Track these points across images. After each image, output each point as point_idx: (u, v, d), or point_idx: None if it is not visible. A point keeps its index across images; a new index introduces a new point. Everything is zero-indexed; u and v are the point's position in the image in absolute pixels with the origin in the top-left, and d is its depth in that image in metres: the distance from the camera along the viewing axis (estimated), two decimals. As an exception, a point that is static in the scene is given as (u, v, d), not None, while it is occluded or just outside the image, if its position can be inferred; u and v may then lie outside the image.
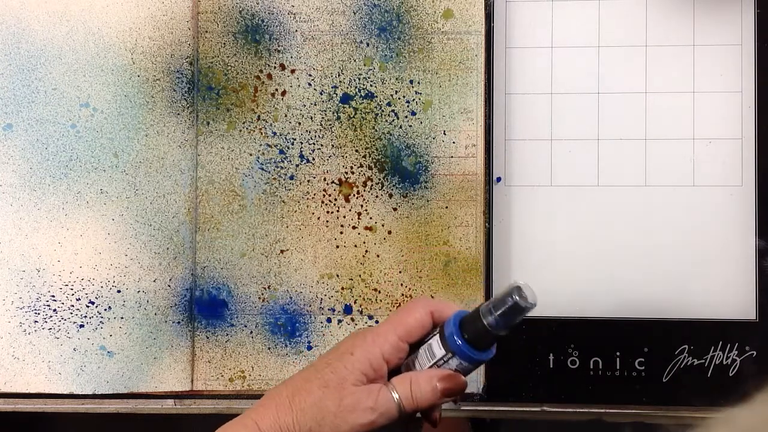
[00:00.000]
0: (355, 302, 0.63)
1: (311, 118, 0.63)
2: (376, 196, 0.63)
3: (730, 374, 0.61)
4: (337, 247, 0.63)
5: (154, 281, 0.63)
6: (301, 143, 0.63)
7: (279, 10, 0.63)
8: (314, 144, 0.63)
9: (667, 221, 0.63)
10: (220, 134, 0.63)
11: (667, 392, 0.61)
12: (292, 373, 0.62)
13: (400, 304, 0.62)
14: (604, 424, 0.63)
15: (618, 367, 0.62)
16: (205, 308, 0.63)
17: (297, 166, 0.63)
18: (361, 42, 0.63)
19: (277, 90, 0.63)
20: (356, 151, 0.63)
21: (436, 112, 0.63)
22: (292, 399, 0.48)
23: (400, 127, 0.63)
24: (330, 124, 0.63)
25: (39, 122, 0.63)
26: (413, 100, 0.63)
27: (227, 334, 0.63)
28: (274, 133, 0.63)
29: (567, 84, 0.63)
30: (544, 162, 0.63)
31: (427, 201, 0.63)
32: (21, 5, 0.63)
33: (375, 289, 0.63)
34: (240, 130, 0.63)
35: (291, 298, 0.63)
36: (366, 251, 0.63)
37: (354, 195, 0.63)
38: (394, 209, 0.63)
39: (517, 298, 0.47)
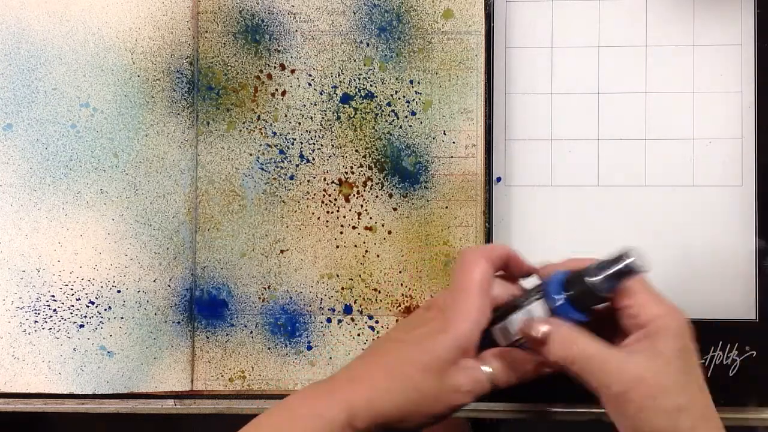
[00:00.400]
0: (355, 302, 0.63)
1: (311, 118, 0.63)
2: (376, 196, 0.63)
3: (730, 374, 0.61)
4: (337, 247, 0.63)
5: (154, 281, 0.63)
6: (301, 143, 0.63)
7: (279, 10, 0.63)
8: (314, 144, 0.63)
9: (667, 221, 0.63)
10: (220, 134, 0.63)
11: (667, 392, 0.61)
12: (292, 373, 0.62)
13: (400, 304, 0.62)
14: (604, 424, 0.63)
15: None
16: (205, 308, 0.63)
17: (297, 166, 0.63)
18: (361, 42, 0.63)
19: (277, 90, 0.63)
20: (356, 151, 0.63)
21: (436, 112, 0.63)
22: (391, 380, 0.47)
23: (400, 127, 0.63)
24: (330, 124, 0.63)
25: (39, 122, 0.63)
26: (413, 100, 0.63)
27: (227, 334, 0.63)
28: (274, 133, 0.63)
29: (567, 84, 0.63)
30: (544, 162, 0.63)
31: (427, 201, 0.63)
32: (21, 5, 0.63)
33: (375, 289, 0.63)
34: (240, 130, 0.63)
35: (291, 298, 0.63)
36: (366, 251, 0.63)
37: (354, 195, 0.63)
38: (394, 209, 0.63)
39: (629, 261, 0.46)
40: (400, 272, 0.63)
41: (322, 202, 0.63)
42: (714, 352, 0.61)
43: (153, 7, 0.63)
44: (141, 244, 0.63)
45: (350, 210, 0.63)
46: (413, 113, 0.63)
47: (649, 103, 0.63)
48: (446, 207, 0.62)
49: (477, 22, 0.62)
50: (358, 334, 0.63)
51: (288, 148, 0.63)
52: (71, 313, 0.63)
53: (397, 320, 0.62)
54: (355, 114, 0.63)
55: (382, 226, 0.63)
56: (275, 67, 0.63)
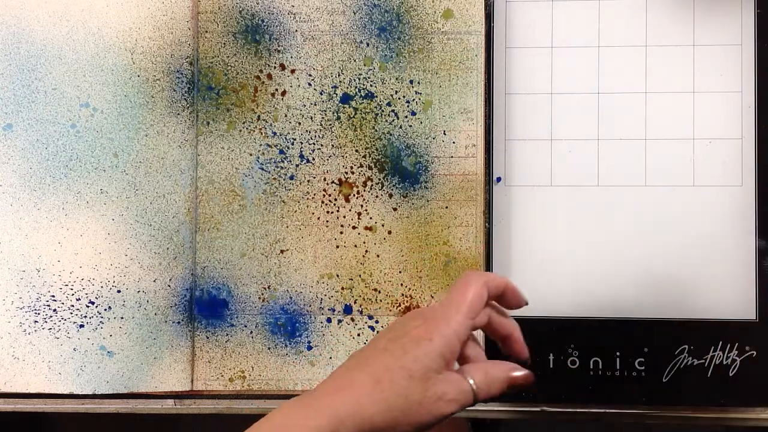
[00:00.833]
0: (355, 302, 0.63)
1: (311, 118, 0.63)
2: (376, 196, 0.63)
3: (730, 374, 0.61)
4: (337, 247, 0.63)
5: (154, 281, 0.63)
6: (301, 143, 0.63)
7: (279, 10, 0.63)
8: (314, 144, 0.63)
9: (667, 221, 0.63)
10: (220, 134, 0.63)
11: (667, 392, 0.61)
12: (292, 373, 0.62)
13: (400, 304, 0.62)
14: (604, 424, 0.63)
15: (618, 367, 0.62)
16: (205, 308, 0.63)
17: (297, 166, 0.63)
18: (361, 42, 0.63)
19: (277, 90, 0.63)
20: (356, 151, 0.63)
21: (436, 112, 0.63)
22: (375, 388, 0.47)
23: (400, 127, 0.63)
24: (330, 124, 0.63)
25: (39, 122, 0.63)
26: (413, 100, 0.63)
27: (227, 334, 0.63)
28: (274, 133, 0.63)
29: (567, 84, 0.63)
30: (544, 162, 0.63)
31: (427, 201, 0.63)
32: (21, 5, 0.63)
33: (375, 289, 0.63)
34: (240, 130, 0.63)
35: (291, 298, 0.63)
36: (366, 251, 0.63)
37: (354, 195, 0.63)
38: (394, 209, 0.63)
39: None
40: (400, 272, 0.63)
41: (322, 202, 0.63)
42: (714, 352, 0.61)
43: (153, 7, 0.63)
44: (141, 244, 0.63)
45: (350, 210, 0.63)
46: (413, 113, 0.63)
47: (649, 103, 0.63)
48: (446, 207, 0.63)
49: (477, 22, 0.62)
50: (358, 334, 0.63)
51: (288, 148, 0.63)
52: (71, 313, 0.63)
53: (397, 320, 0.63)
54: (355, 114, 0.63)
55: (382, 226, 0.63)
56: (275, 67, 0.63)
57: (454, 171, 0.63)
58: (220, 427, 0.64)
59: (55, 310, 0.63)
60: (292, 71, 0.63)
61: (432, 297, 0.62)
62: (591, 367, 0.62)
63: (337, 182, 0.63)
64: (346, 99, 0.63)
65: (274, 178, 0.63)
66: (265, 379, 0.63)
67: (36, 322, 0.63)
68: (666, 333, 0.62)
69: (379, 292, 0.63)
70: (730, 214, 0.62)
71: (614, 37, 0.63)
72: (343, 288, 0.63)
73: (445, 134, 0.63)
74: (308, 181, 0.63)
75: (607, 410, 0.62)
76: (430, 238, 0.62)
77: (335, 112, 0.63)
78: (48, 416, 0.66)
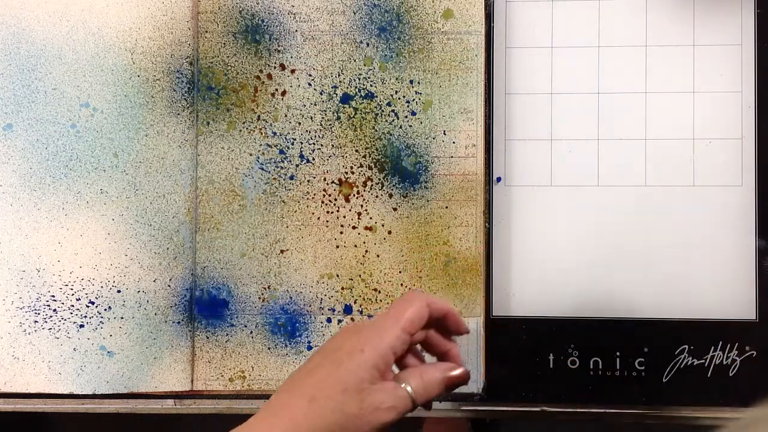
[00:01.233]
0: (355, 302, 0.63)
1: (311, 118, 0.63)
2: (376, 196, 0.63)
3: (730, 374, 0.61)
4: (337, 247, 0.63)
5: (154, 281, 0.63)
6: (301, 143, 0.63)
7: (279, 10, 0.63)
8: (314, 144, 0.63)
9: (667, 221, 0.63)
10: (220, 134, 0.63)
11: (667, 392, 0.61)
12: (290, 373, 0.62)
13: (400, 304, 0.62)
14: (604, 424, 0.63)
15: (618, 367, 0.62)
16: (205, 308, 0.63)
17: (297, 166, 0.63)
18: (361, 42, 0.63)
19: (277, 90, 0.63)
20: (356, 151, 0.63)
21: (436, 112, 0.63)
22: (310, 406, 0.47)
23: (400, 127, 0.63)
24: (330, 124, 0.63)
25: (39, 122, 0.63)
26: (413, 100, 0.63)
27: (227, 334, 0.63)
28: (274, 133, 0.63)
29: (567, 84, 0.63)
30: (544, 162, 0.63)
31: (427, 201, 0.63)
32: (21, 5, 0.63)
33: (375, 289, 0.63)
34: (240, 130, 0.63)
35: (291, 298, 0.63)
36: (366, 251, 0.63)
37: (354, 195, 0.63)
38: (394, 209, 0.63)
39: None
40: (400, 272, 0.63)
41: (322, 202, 0.63)
42: (714, 352, 0.61)
43: (153, 7, 0.63)
44: (141, 244, 0.63)
45: (350, 210, 0.63)
46: (413, 113, 0.63)
47: (649, 103, 0.63)
48: (446, 207, 0.62)
49: (477, 22, 0.62)
50: (358, 334, 0.63)
51: (288, 148, 0.63)
52: (71, 313, 0.63)
53: (397, 320, 0.62)
54: (355, 114, 0.63)
55: (382, 226, 0.63)
56: (275, 67, 0.63)
57: (454, 171, 0.63)
58: (220, 427, 0.64)
59: (55, 310, 0.63)
60: (292, 71, 0.63)
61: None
62: (591, 367, 0.62)
63: (337, 182, 0.63)
64: (346, 99, 0.63)
65: (274, 178, 0.63)
66: (265, 379, 0.63)
67: (36, 322, 0.63)
68: (666, 333, 0.62)
69: (379, 292, 0.63)
70: (730, 214, 0.62)
71: (614, 37, 0.63)
72: (343, 288, 0.63)
73: (445, 134, 0.63)
74: (308, 181, 0.63)
75: (607, 410, 0.62)
76: (430, 238, 0.62)
77: (335, 112, 0.63)
78: (48, 416, 0.66)
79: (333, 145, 0.63)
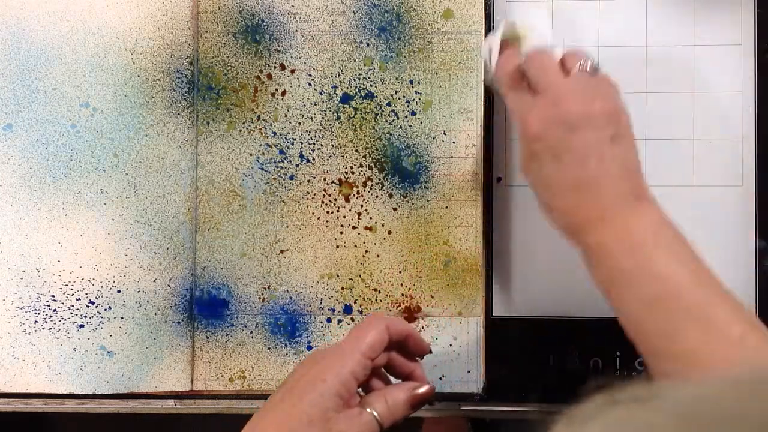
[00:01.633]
0: (355, 302, 0.63)
1: (311, 118, 0.63)
2: (376, 196, 0.63)
3: (730, 374, 0.61)
4: (337, 247, 0.63)
5: (154, 281, 0.63)
6: (301, 143, 0.63)
7: (279, 10, 0.63)
8: (314, 144, 0.63)
9: (667, 221, 0.62)
10: (220, 134, 0.63)
11: (667, 392, 0.61)
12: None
13: (400, 304, 0.62)
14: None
15: (618, 367, 0.62)
16: (205, 308, 0.63)
17: (297, 166, 0.63)
18: (361, 42, 0.63)
19: (277, 90, 0.63)
20: (356, 151, 0.63)
21: (436, 112, 0.63)
22: None
23: (400, 127, 0.63)
24: (330, 124, 0.63)
25: (39, 122, 0.63)
26: (413, 100, 0.63)
27: (227, 334, 0.63)
28: (274, 133, 0.63)
29: (567, 84, 0.63)
30: (544, 162, 0.63)
31: (427, 201, 0.63)
32: (21, 5, 0.63)
33: (375, 289, 0.63)
34: (240, 130, 0.63)
35: (291, 298, 0.63)
36: (366, 251, 0.63)
37: (354, 195, 0.63)
38: (394, 209, 0.63)
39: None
40: (400, 272, 0.63)
41: (322, 202, 0.63)
42: (714, 352, 0.61)
43: (153, 7, 0.63)
44: (141, 244, 0.63)
45: (350, 210, 0.63)
46: (413, 113, 0.63)
47: (649, 103, 0.63)
48: (446, 207, 0.62)
49: (477, 22, 0.62)
50: (358, 334, 0.63)
51: (288, 148, 0.63)
52: (71, 313, 0.63)
53: (397, 320, 0.63)
54: (355, 114, 0.63)
55: (382, 226, 0.63)
56: (275, 67, 0.63)
57: (454, 171, 0.63)
58: (220, 427, 0.64)
59: (55, 310, 0.63)
60: (292, 71, 0.63)
61: (432, 297, 0.62)
62: (591, 367, 0.62)
63: (337, 182, 0.63)
64: (346, 99, 0.63)
65: (274, 178, 0.63)
66: (265, 379, 0.63)
67: (36, 322, 0.63)
68: (666, 333, 0.62)
69: (379, 292, 0.63)
70: (730, 214, 0.62)
71: (614, 37, 0.63)
72: (343, 288, 0.63)
73: (445, 134, 0.63)
74: (308, 181, 0.63)
75: (607, 410, 0.62)
76: (430, 238, 0.62)
77: (335, 112, 0.63)
78: (48, 416, 0.66)
79: (333, 145, 0.63)
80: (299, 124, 0.63)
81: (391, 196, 0.63)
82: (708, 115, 0.63)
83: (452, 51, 0.63)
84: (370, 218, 0.63)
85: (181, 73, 0.63)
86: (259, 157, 0.63)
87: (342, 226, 0.63)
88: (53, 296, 0.63)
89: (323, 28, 0.63)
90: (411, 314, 0.62)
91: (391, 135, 0.63)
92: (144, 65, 0.63)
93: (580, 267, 0.63)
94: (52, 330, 0.63)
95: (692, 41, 0.63)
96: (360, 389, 0.52)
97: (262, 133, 0.63)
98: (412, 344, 0.53)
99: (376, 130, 0.63)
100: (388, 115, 0.63)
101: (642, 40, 0.63)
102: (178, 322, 0.63)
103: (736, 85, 0.63)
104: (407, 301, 0.62)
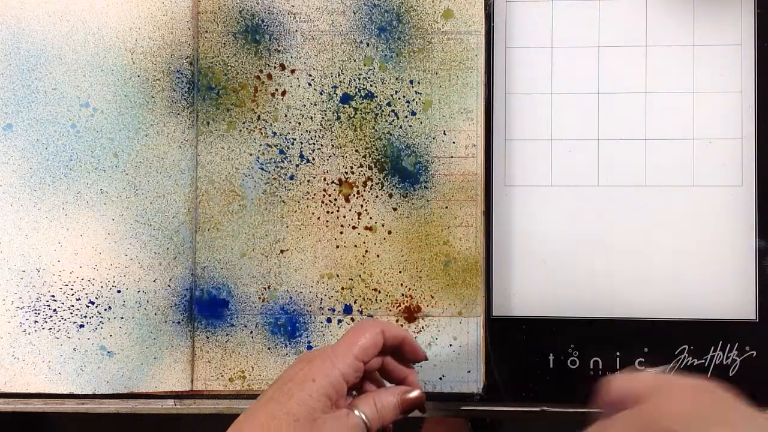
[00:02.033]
0: (355, 302, 0.63)
1: (311, 118, 0.63)
2: (376, 196, 0.63)
3: (730, 374, 0.61)
4: (337, 247, 0.63)
5: (154, 281, 0.63)
6: (301, 143, 0.63)
7: (279, 10, 0.63)
8: (314, 144, 0.63)
9: (667, 221, 0.63)
10: (220, 134, 0.63)
11: (667, 392, 0.61)
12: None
13: (400, 304, 0.62)
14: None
15: (618, 367, 0.62)
16: (205, 308, 0.63)
17: (297, 166, 0.63)
18: (361, 42, 0.63)
19: (277, 90, 0.63)
20: (356, 151, 0.63)
21: (436, 112, 0.63)
22: None
23: (400, 127, 0.63)
24: (330, 124, 0.63)
25: (39, 122, 0.63)
26: (413, 100, 0.63)
27: (227, 334, 0.63)
28: (274, 133, 0.63)
29: (567, 84, 0.63)
30: (544, 162, 0.63)
31: (427, 201, 0.63)
32: (21, 5, 0.63)
33: (375, 289, 0.63)
34: (240, 130, 0.63)
35: (291, 298, 0.63)
36: (366, 251, 0.63)
37: (354, 195, 0.63)
38: (394, 209, 0.63)
39: None
40: (400, 272, 0.63)
41: (322, 202, 0.63)
42: (714, 352, 0.61)
43: (153, 7, 0.63)
44: (141, 244, 0.63)
45: (350, 210, 0.63)
46: (413, 113, 0.63)
47: (649, 103, 0.63)
48: (446, 207, 0.62)
49: (477, 22, 0.62)
50: (358, 334, 0.63)
51: (288, 148, 0.63)
52: (71, 313, 0.63)
53: (397, 320, 0.62)
54: (355, 114, 0.63)
55: (382, 226, 0.63)
56: (275, 67, 0.63)
57: (454, 171, 0.63)
58: (220, 427, 0.64)
59: (55, 310, 0.63)
60: (292, 71, 0.63)
61: (432, 297, 0.62)
62: (591, 367, 0.62)
63: (337, 182, 0.63)
64: (346, 99, 0.63)
65: (274, 178, 0.63)
66: (265, 379, 0.63)
67: (36, 322, 0.63)
68: (666, 333, 0.62)
69: (379, 292, 0.63)
70: (730, 214, 0.62)
71: (614, 37, 0.63)
72: (343, 288, 0.63)
73: (445, 134, 0.63)
74: (308, 181, 0.63)
75: (607, 410, 0.62)
76: (430, 238, 0.62)
77: (335, 112, 0.63)
78: (48, 416, 0.66)
79: (333, 145, 0.63)
80: (299, 124, 0.63)
81: (391, 196, 0.63)
82: (708, 115, 0.63)
83: (452, 51, 0.63)
84: (370, 218, 0.63)
85: (181, 73, 0.63)
86: (259, 157, 0.63)
87: (342, 226, 0.63)
88: (53, 296, 0.63)
89: (323, 28, 0.63)
90: (411, 314, 0.62)
91: (391, 135, 0.63)
92: (144, 65, 0.63)
93: (580, 267, 0.63)
94: (52, 330, 0.63)
95: (692, 41, 0.63)
96: (354, 392, 0.52)
97: (262, 133, 0.63)
98: (407, 350, 0.53)
99: (376, 130, 0.63)
100: (388, 115, 0.63)
101: (642, 40, 0.63)
102: (178, 322, 0.63)
103: (736, 85, 0.63)
104: (407, 301, 0.62)
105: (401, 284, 0.63)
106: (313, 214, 0.63)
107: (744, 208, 0.62)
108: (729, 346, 0.61)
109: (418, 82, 0.63)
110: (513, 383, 0.62)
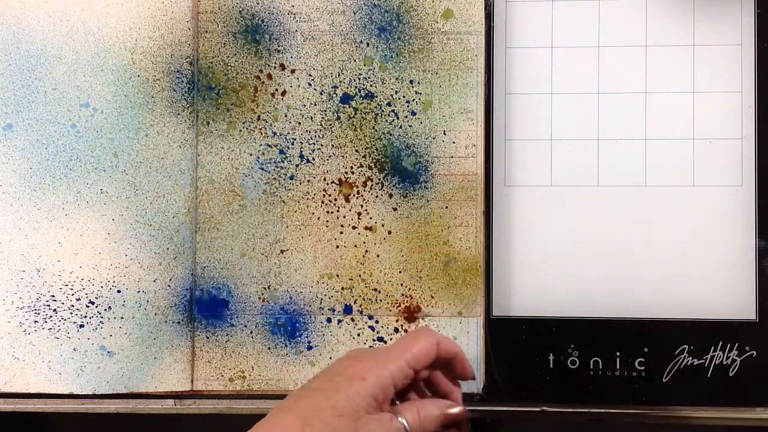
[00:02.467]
0: (355, 302, 0.63)
1: (311, 118, 0.63)
2: (376, 196, 0.63)
3: (730, 374, 0.61)
4: (337, 247, 0.63)
5: (154, 281, 0.63)
6: (301, 143, 0.63)
7: (279, 10, 0.63)
8: (314, 144, 0.63)
9: (667, 221, 0.63)
10: (220, 134, 0.63)
11: (667, 392, 0.61)
12: (292, 373, 0.62)
13: (400, 304, 0.62)
14: (604, 424, 0.63)
15: (618, 367, 0.62)
16: (205, 308, 0.63)
17: (297, 166, 0.63)
18: (361, 42, 0.63)
19: (277, 90, 0.63)
20: (356, 151, 0.63)
21: (436, 112, 0.63)
22: (303, 429, 0.46)
23: (400, 127, 0.63)
24: (330, 124, 0.63)
25: (39, 122, 0.63)
26: (413, 100, 0.63)
27: (227, 334, 0.63)
28: (274, 133, 0.63)
29: (567, 84, 0.63)
30: (544, 162, 0.64)
31: (427, 201, 0.63)
32: (21, 5, 0.63)
33: (375, 289, 0.63)
34: (240, 130, 0.63)
35: (291, 298, 0.63)
36: (366, 251, 0.63)
37: (354, 195, 0.63)
38: (394, 209, 0.63)
39: None
40: (400, 272, 0.63)
41: (322, 202, 0.63)
42: (714, 352, 0.61)
43: (153, 7, 0.63)
44: (141, 244, 0.63)
45: (350, 210, 0.63)
46: (413, 113, 0.63)
47: (649, 103, 0.63)
48: (446, 207, 0.63)
49: (477, 22, 0.62)
50: (358, 334, 0.63)
51: (288, 148, 0.63)
52: (71, 313, 0.63)
53: (397, 320, 0.63)
54: (355, 114, 0.63)
55: (382, 226, 0.63)
56: (275, 67, 0.63)
57: (454, 171, 0.63)
58: (220, 427, 0.64)
59: (55, 310, 0.63)
60: (292, 71, 0.63)
61: (432, 297, 0.62)
62: (591, 367, 0.62)
63: (337, 182, 0.63)
64: (346, 99, 0.63)
65: (274, 178, 0.63)
66: (265, 379, 0.63)
67: (36, 322, 0.63)
68: (666, 333, 0.62)
69: (379, 292, 0.63)
70: (730, 214, 0.62)
71: (614, 37, 0.63)
72: (343, 288, 0.63)
73: (445, 134, 0.63)
74: (308, 181, 0.63)
75: (607, 410, 0.62)
76: (430, 238, 0.62)
77: (335, 112, 0.63)
78: (48, 416, 0.66)
79: (333, 145, 0.63)
80: (299, 124, 0.63)
81: (391, 196, 0.63)
82: (708, 115, 0.63)
83: (452, 51, 0.63)
84: (370, 218, 0.63)
85: (181, 73, 0.63)
86: (259, 157, 0.63)
87: (342, 226, 0.63)
88: (53, 296, 0.63)
89: (323, 28, 0.63)
90: (411, 314, 0.62)
91: (391, 135, 0.63)
92: (144, 65, 0.63)
93: (580, 267, 0.63)
94: (52, 330, 0.63)
95: (692, 41, 0.63)
96: (395, 398, 0.52)
97: (262, 133, 0.63)
98: (457, 366, 0.53)
99: (376, 130, 0.63)
100: (388, 115, 0.63)
101: (642, 40, 0.63)
102: (178, 322, 0.63)
103: (736, 85, 0.63)
104: (407, 301, 0.62)
105: (401, 284, 0.63)
106: (313, 214, 0.63)
107: (744, 208, 0.62)
108: (729, 345, 0.61)
109: (418, 82, 0.63)
110: (513, 383, 0.62)
